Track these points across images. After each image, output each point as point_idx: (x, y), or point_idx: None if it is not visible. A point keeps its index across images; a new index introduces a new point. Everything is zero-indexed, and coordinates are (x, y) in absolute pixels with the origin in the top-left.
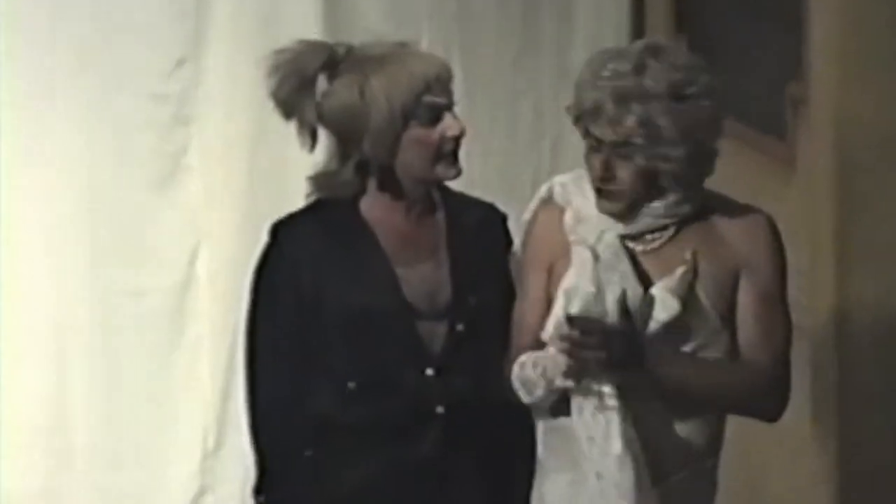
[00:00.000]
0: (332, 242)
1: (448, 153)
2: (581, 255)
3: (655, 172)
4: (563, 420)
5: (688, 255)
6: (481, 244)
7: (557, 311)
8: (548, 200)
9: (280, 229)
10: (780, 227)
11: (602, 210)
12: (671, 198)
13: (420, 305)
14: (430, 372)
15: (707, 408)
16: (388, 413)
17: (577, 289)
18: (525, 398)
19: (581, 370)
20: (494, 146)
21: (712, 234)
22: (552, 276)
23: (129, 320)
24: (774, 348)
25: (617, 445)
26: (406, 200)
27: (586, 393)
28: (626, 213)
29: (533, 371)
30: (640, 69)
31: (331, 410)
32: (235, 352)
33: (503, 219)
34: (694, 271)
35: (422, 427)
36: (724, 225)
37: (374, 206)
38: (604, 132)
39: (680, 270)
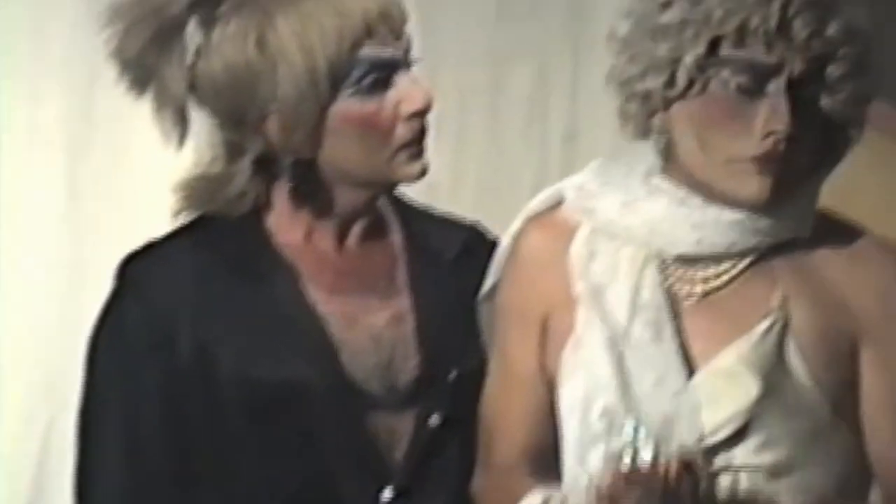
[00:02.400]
0: (223, 284)
1: (407, 140)
2: (593, 332)
3: (827, 136)
4: None
5: (774, 301)
6: (462, 285)
7: (568, 433)
8: (545, 214)
9: (134, 267)
10: None
11: (751, 196)
12: (810, 189)
13: (370, 385)
14: (387, 494)
15: None
16: None
17: (593, 405)
18: None
19: None
20: (475, 135)
21: (810, 273)
22: (548, 335)
23: None
24: None
25: None
26: (338, 217)
27: None
28: (771, 203)
29: None
30: None
31: None
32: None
33: (493, 246)
34: (784, 326)
35: None
36: (831, 261)
37: (287, 227)
38: (783, 54)
39: (762, 325)
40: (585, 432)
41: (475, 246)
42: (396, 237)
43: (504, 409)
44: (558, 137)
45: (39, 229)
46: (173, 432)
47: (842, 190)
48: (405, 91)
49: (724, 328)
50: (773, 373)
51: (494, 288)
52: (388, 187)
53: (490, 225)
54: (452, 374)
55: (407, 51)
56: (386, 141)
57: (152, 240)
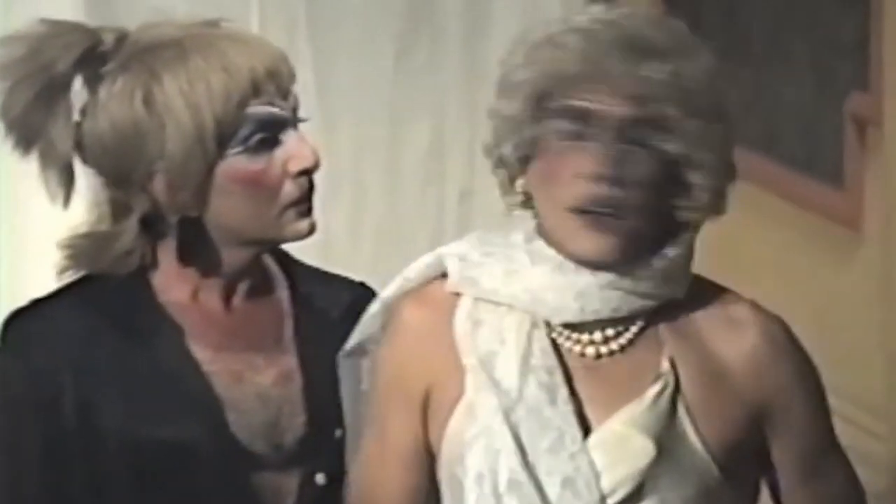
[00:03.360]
0: (108, 343)
1: (295, 198)
2: (486, 400)
3: (682, 186)
4: None
5: (664, 364)
6: None
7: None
8: (423, 288)
9: (17, 326)
10: (842, 315)
11: (585, 253)
12: (681, 247)
13: (256, 444)
14: None
15: None
16: None
17: (498, 475)
18: None
19: None
20: (372, 191)
21: (691, 337)
22: (431, 409)
23: None
24: None
25: None
26: (225, 276)
27: None
28: (620, 262)
29: None
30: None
31: None
32: None
33: None
34: (674, 389)
35: None
36: (711, 327)
37: (173, 286)
38: (604, 101)
39: (654, 389)
40: (495, 502)
41: (363, 304)
42: (283, 295)
43: (381, 484)
44: (455, 195)
45: None
46: (55, 493)
47: (723, 244)
48: (293, 149)
49: (616, 391)
50: (666, 435)
51: (359, 346)
52: (275, 245)
53: (386, 282)
54: (338, 433)
55: (294, 109)
56: (273, 199)
57: (37, 298)
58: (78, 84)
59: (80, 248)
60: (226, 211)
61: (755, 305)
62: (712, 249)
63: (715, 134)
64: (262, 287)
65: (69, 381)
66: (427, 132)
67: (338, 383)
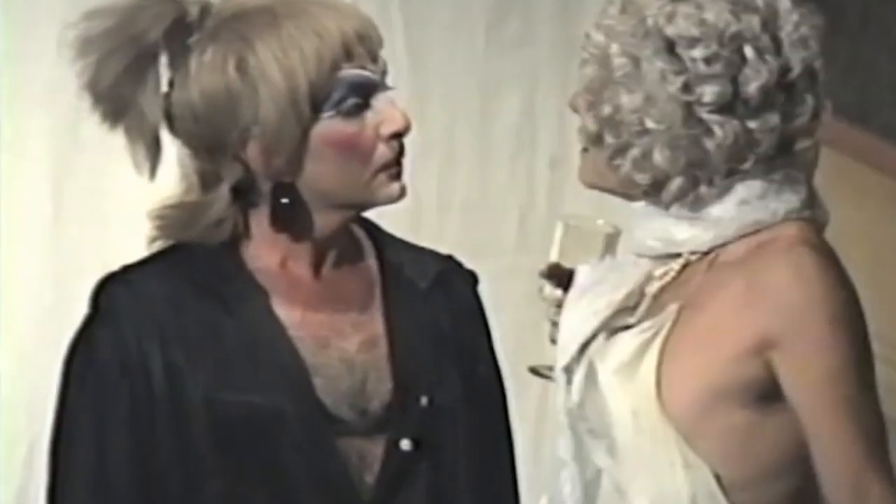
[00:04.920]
0: (196, 309)
1: (387, 161)
2: None
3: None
4: None
5: (670, 308)
6: (435, 314)
7: None
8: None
9: (107, 293)
10: None
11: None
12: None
13: (342, 410)
14: None
15: None
16: None
17: None
18: None
19: None
20: (458, 161)
21: (724, 275)
22: None
23: None
24: (849, 470)
25: None
26: (316, 242)
27: None
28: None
29: None
30: None
31: None
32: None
33: (471, 280)
34: (665, 338)
35: None
36: (745, 259)
37: (263, 253)
38: None
39: (633, 332)
40: None
41: (450, 277)
42: (371, 263)
43: None
44: (546, 166)
45: (23, 250)
46: (142, 458)
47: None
48: (384, 112)
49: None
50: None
51: None
52: (366, 208)
53: (474, 251)
54: (424, 400)
55: (384, 73)
56: (367, 162)
57: (127, 265)
58: (166, 56)
59: (171, 218)
60: (320, 175)
61: (804, 239)
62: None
63: None
64: (350, 255)
65: (157, 347)
66: (518, 103)
67: (424, 352)
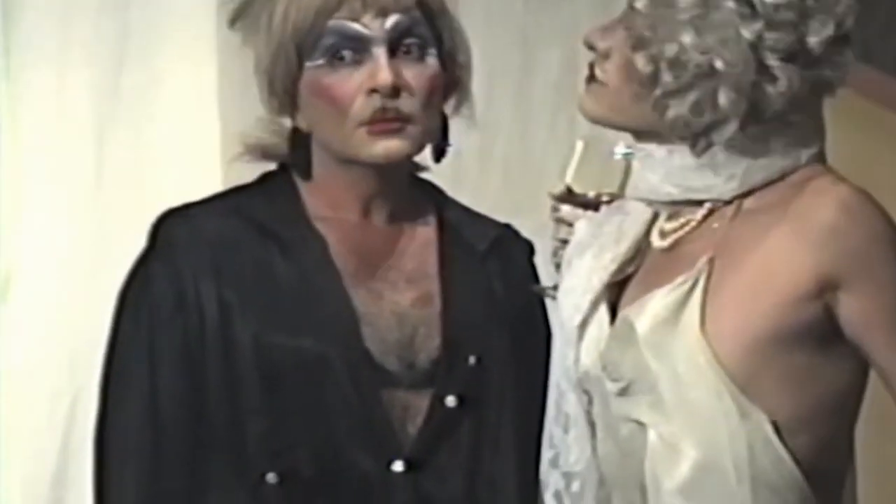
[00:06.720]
0: (252, 250)
1: (365, 117)
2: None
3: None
4: None
5: (702, 260)
6: (491, 278)
7: None
8: None
9: (165, 227)
10: None
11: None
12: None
13: (389, 361)
14: (398, 467)
15: None
16: None
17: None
18: None
19: None
20: (498, 118)
21: (758, 224)
22: None
23: None
24: None
25: None
26: (357, 195)
27: None
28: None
29: None
30: None
31: None
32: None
33: (528, 249)
34: (704, 290)
35: None
36: (784, 207)
37: (319, 200)
38: None
39: (675, 284)
40: None
41: (507, 244)
42: (430, 223)
43: None
44: (586, 122)
45: (67, 205)
46: (191, 392)
47: (854, 167)
48: (371, 68)
49: (655, 283)
50: (668, 332)
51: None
52: (363, 164)
53: (514, 208)
54: (472, 360)
55: (392, 32)
56: (344, 115)
57: (189, 202)
58: None
59: (257, 140)
60: (313, 125)
61: (836, 179)
62: (843, 172)
63: None
64: (407, 213)
65: (211, 284)
66: (558, 59)
67: (476, 312)
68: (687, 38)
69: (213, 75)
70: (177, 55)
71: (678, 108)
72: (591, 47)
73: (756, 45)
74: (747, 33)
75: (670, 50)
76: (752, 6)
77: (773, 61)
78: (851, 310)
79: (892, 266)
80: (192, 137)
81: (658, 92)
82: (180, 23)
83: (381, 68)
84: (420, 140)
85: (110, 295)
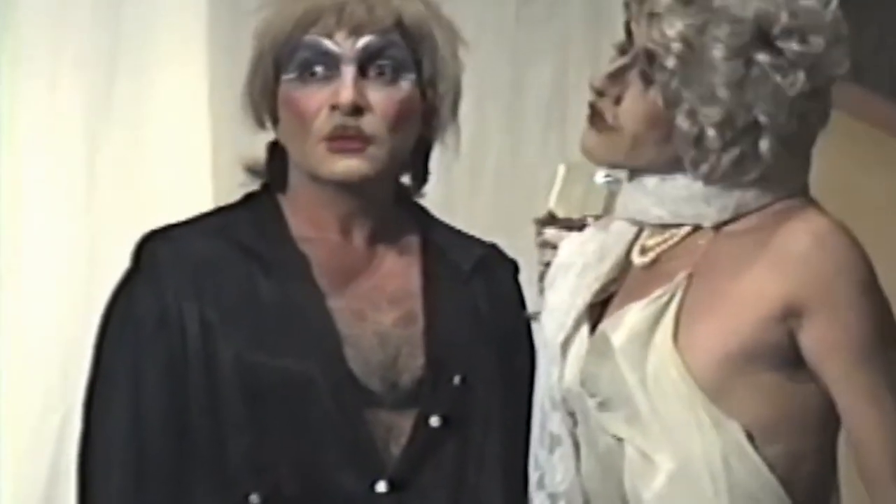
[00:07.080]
0: (235, 270)
1: (325, 133)
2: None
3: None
4: None
5: (679, 276)
6: (475, 298)
7: None
8: None
9: (149, 247)
10: None
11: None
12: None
13: (372, 381)
14: (381, 487)
15: None
16: None
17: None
18: None
19: None
20: (488, 135)
21: (735, 245)
22: None
23: None
24: (886, 438)
25: None
26: (333, 213)
27: None
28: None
29: None
30: None
31: None
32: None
33: (512, 268)
34: (679, 304)
35: None
36: (760, 232)
37: (301, 220)
38: None
39: (644, 302)
40: None
41: (492, 263)
42: (414, 243)
43: None
44: (577, 140)
45: (58, 216)
46: (173, 412)
47: (841, 188)
48: (337, 85)
49: (634, 298)
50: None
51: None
52: (328, 181)
53: (505, 225)
54: (457, 379)
55: (364, 51)
56: (307, 130)
57: (172, 223)
58: None
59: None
60: (285, 139)
61: (818, 212)
62: (831, 192)
63: None
64: (390, 232)
65: (194, 305)
66: (549, 77)
67: (460, 332)
68: (729, 97)
69: (204, 83)
70: (168, 63)
71: (719, 163)
72: (599, 93)
73: (788, 90)
74: (786, 85)
75: (714, 113)
76: (781, 53)
77: (802, 102)
78: (811, 337)
79: (856, 300)
80: (183, 144)
81: (699, 150)
82: (171, 31)
83: (344, 86)
84: (383, 162)
85: (101, 308)
